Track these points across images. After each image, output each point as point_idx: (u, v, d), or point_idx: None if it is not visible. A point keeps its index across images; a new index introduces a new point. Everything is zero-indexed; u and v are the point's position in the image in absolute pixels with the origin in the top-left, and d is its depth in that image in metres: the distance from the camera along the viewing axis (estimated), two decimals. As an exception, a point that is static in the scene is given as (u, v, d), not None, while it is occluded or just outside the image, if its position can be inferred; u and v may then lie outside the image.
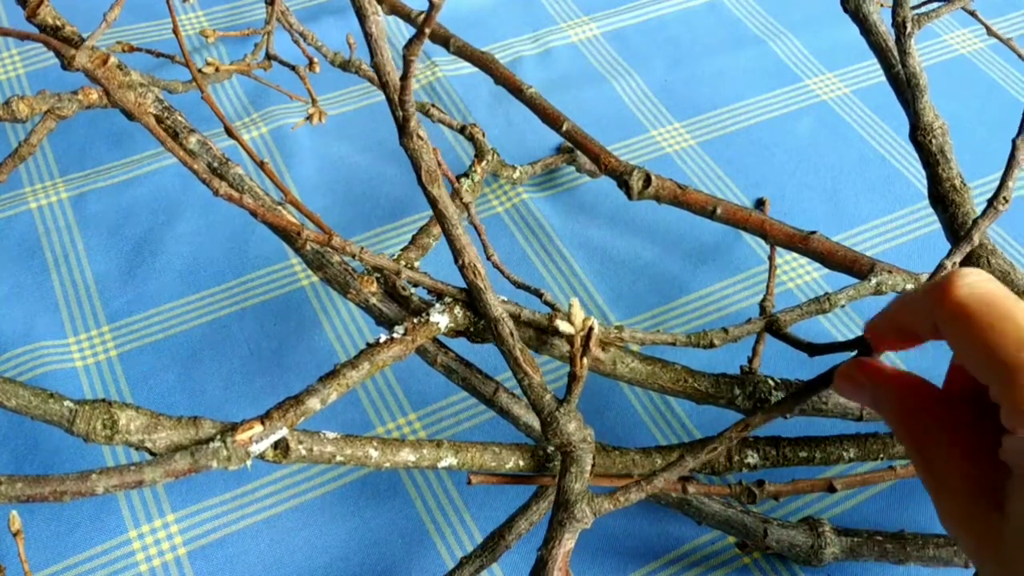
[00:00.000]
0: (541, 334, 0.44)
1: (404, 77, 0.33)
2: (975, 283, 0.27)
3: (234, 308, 0.61)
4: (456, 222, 0.38)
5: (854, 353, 0.34)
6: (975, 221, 0.39)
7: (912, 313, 0.30)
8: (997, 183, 0.42)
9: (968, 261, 0.48)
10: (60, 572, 0.50)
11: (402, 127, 0.35)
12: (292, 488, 0.53)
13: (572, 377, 0.36)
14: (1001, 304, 0.26)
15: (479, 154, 0.61)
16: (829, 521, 0.49)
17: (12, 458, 0.54)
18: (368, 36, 0.34)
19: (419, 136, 0.36)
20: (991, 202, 0.39)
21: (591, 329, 0.34)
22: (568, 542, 0.38)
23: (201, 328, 0.60)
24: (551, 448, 0.46)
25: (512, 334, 0.39)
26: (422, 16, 0.56)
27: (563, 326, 0.35)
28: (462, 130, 0.62)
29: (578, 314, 0.35)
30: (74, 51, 0.39)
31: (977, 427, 0.28)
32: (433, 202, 0.37)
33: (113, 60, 0.45)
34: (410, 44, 0.31)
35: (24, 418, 0.40)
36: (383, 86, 0.35)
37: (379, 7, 0.34)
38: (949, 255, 0.39)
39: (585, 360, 0.35)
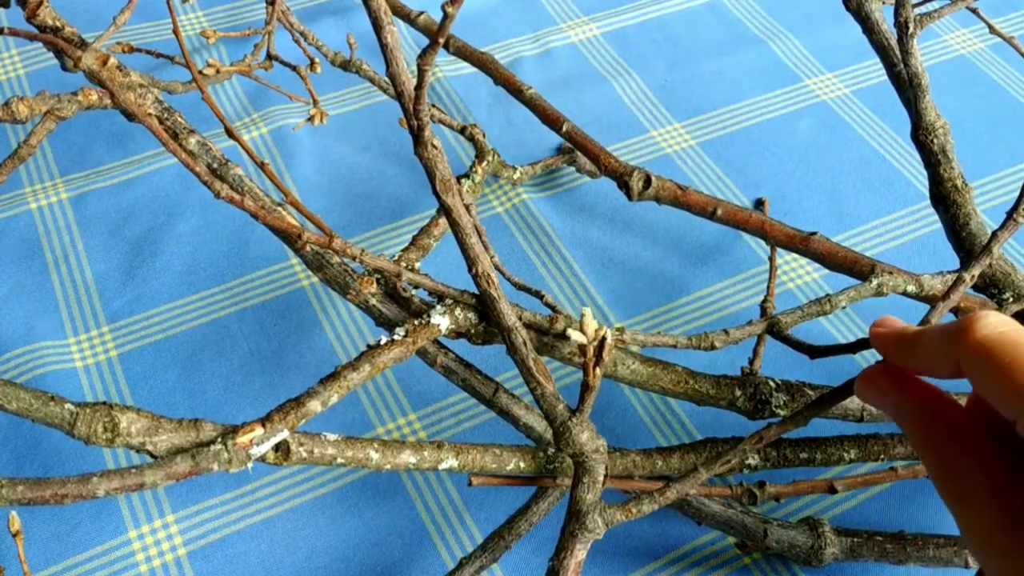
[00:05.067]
0: (542, 336, 0.44)
1: (419, 87, 0.33)
2: (997, 323, 0.28)
3: (234, 308, 0.61)
4: (470, 231, 0.38)
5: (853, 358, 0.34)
6: (994, 233, 0.38)
7: (928, 349, 0.30)
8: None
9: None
10: (60, 573, 0.50)
11: (417, 136, 0.35)
12: (292, 489, 0.53)
13: (585, 387, 0.36)
14: (1020, 335, 0.27)
15: (480, 154, 0.61)
16: (829, 522, 0.49)
17: (12, 458, 0.54)
18: (384, 46, 0.34)
19: (434, 145, 0.36)
20: (1010, 214, 0.39)
21: (604, 339, 0.34)
22: (579, 552, 0.38)
23: (201, 328, 0.60)
24: (552, 450, 0.46)
25: (526, 343, 0.39)
26: (421, 16, 0.56)
27: (575, 335, 0.34)
28: (462, 130, 0.62)
29: (590, 323, 0.34)
30: (81, 52, 0.39)
31: (1004, 452, 0.28)
32: (448, 211, 0.37)
33: (113, 61, 0.45)
34: (424, 54, 0.31)
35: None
36: (399, 96, 0.34)
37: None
38: (967, 267, 0.38)
39: (598, 370, 0.34)
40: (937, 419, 0.30)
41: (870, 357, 0.59)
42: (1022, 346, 0.27)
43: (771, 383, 0.47)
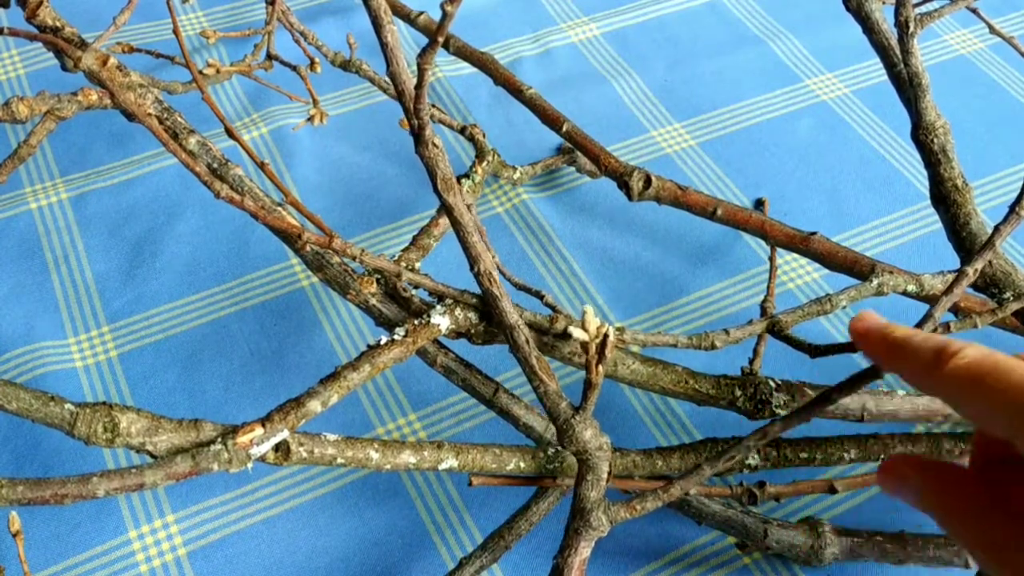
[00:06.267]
0: (542, 336, 0.44)
1: (419, 86, 0.33)
2: (981, 350, 0.28)
3: (234, 308, 0.61)
4: (472, 230, 0.38)
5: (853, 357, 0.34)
6: (996, 227, 0.38)
7: (913, 361, 0.30)
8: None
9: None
10: (60, 573, 0.50)
11: (417, 135, 0.35)
12: (292, 489, 0.53)
13: (588, 385, 0.36)
14: (1002, 361, 0.27)
15: (480, 155, 0.61)
16: (829, 521, 0.49)
17: (13, 458, 0.54)
18: (384, 46, 0.34)
19: (434, 144, 0.36)
20: (1013, 208, 0.39)
21: (606, 336, 0.34)
22: (584, 550, 0.38)
23: (201, 328, 0.60)
24: (552, 450, 0.46)
25: (528, 342, 0.38)
26: (421, 15, 0.56)
27: (578, 333, 0.34)
28: (462, 130, 0.62)
29: (592, 321, 0.34)
30: (81, 52, 0.39)
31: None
32: (449, 210, 0.37)
33: (113, 61, 0.45)
34: (424, 53, 0.31)
35: (24, 420, 0.40)
36: (399, 95, 0.34)
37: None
38: (971, 262, 0.38)
39: (601, 368, 0.34)
40: (962, 498, 0.29)
41: (870, 357, 0.58)
42: (1001, 364, 0.27)
43: (771, 383, 0.47)
